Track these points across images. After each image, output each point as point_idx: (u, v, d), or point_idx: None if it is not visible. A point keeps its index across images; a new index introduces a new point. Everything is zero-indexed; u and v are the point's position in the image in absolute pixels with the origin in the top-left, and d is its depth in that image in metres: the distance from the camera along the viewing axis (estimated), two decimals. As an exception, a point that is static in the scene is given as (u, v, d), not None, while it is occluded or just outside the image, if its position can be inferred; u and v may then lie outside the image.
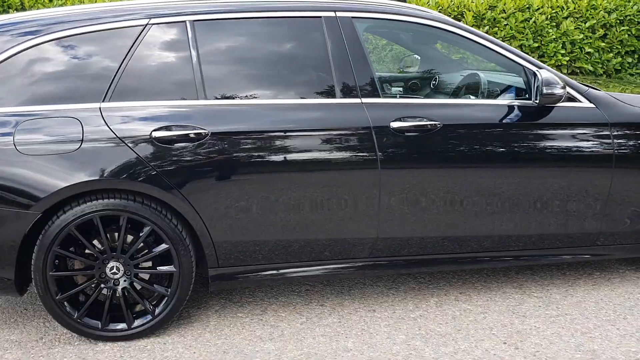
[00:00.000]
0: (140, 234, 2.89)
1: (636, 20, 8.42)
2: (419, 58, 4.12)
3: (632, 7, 8.33)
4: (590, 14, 8.59)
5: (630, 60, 8.36)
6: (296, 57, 2.98)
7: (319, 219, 2.91)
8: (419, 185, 2.97)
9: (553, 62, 8.22)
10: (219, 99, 2.87)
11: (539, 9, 8.54)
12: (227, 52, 2.94)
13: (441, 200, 3.00)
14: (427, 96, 3.84)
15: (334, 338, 2.95)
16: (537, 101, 3.06)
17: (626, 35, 8.36)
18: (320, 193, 2.87)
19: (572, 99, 3.18)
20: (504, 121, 3.07)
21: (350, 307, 3.26)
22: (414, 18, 3.10)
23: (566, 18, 8.53)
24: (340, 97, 2.90)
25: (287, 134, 2.83)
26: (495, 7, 8.60)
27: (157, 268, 2.99)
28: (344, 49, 2.90)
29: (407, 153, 2.94)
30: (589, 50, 8.18)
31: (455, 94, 3.72)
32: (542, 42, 8.49)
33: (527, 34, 8.66)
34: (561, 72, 8.35)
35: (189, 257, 2.92)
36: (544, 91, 3.02)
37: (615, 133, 3.13)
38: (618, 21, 8.54)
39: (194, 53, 2.83)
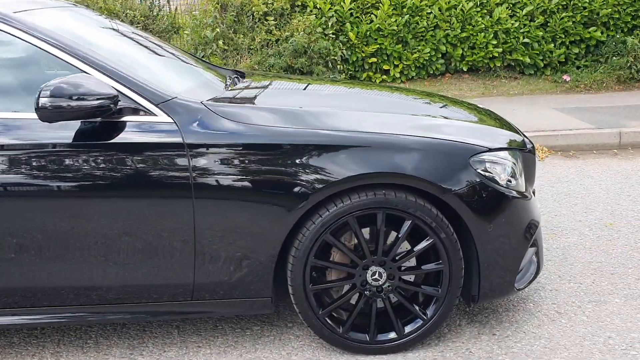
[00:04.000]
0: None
1: (581, 5, 8.30)
2: None
3: (577, -10, 7.90)
4: (527, 0, 8.32)
5: (576, 51, 8.37)
6: None
7: None
8: None
9: (483, 53, 8.54)
10: None
11: (466, -6, 8.11)
12: None
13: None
14: None
15: None
16: (40, 115, 2.33)
17: (570, 23, 8.21)
18: None
19: (145, 111, 2.49)
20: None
21: None
22: None
23: (499, 5, 8.48)
24: None
25: None
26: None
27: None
28: None
29: None
30: (526, 40, 8.36)
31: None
32: (472, 32, 8.30)
33: (453, 23, 8.31)
34: (495, 65, 8.69)
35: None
36: (42, 103, 2.29)
37: (193, 156, 2.46)
38: (561, 7, 8.31)
39: None
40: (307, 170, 2.53)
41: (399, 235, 2.65)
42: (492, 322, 3.02)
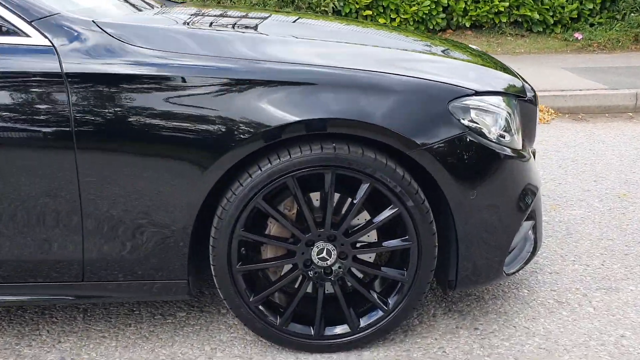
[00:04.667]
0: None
1: (598, -45, 7.59)
2: None
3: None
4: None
5: (590, 6, 7.71)
6: None
7: None
8: None
9: (488, 7, 7.87)
10: None
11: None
12: None
13: None
14: None
15: None
16: None
17: None
18: None
19: (16, 30, 1.88)
20: None
21: None
22: None
23: (508, -45, 7.89)
24: None
25: None
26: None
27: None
28: None
29: None
30: None
31: None
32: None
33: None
34: (500, 21, 8.01)
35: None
36: None
37: (75, 91, 1.85)
38: (575, -44, 7.68)
39: None
40: (228, 115, 1.90)
41: (354, 203, 2.02)
42: (474, 312, 2.41)
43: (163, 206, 1.94)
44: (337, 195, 2.11)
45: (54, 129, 1.86)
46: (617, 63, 6.84)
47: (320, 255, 2.06)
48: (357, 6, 7.83)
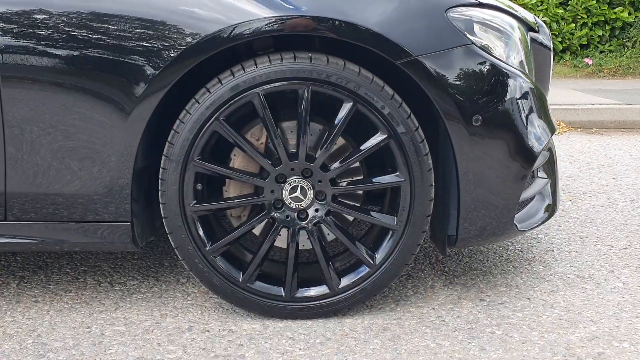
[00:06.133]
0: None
1: (607, -20, 7.46)
2: None
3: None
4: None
5: (600, 33, 7.50)
6: None
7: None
8: None
9: None
10: None
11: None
12: None
13: None
14: None
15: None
16: None
17: (594, 2, 7.29)
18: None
19: None
20: None
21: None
22: None
23: (516, -17, 7.91)
24: None
25: None
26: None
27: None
28: None
29: None
30: (544, 19, 7.72)
31: None
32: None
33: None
34: None
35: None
36: None
37: None
38: (584, -17, 7.50)
39: None
40: (173, 15, 1.58)
41: (336, 126, 1.68)
42: (480, 285, 2.02)
43: (99, 133, 1.60)
44: (315, 126, 1.77)
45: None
46: (630, 86, 6.57)
47: (293, 195, 1.71)
48: None
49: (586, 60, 7.39)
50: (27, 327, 1.74)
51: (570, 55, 7.68)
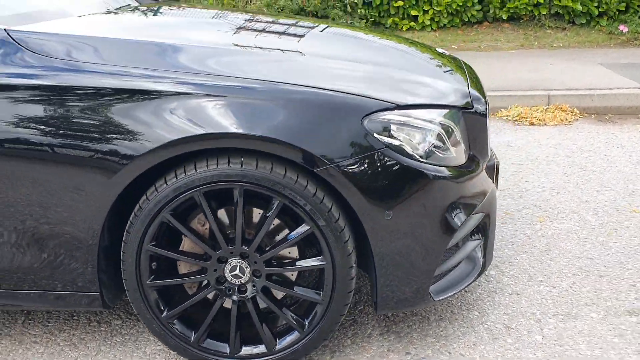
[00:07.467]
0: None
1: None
2: None
3: None
4: None
5: None
6: None
7: None
8: None
9: (526, 0, 7.46)
10: None
11: None
12: None
13: None
14: None
15: None
16: None
17: None
18: None
19: None
20: None
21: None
22: None
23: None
24: None
25: None
26: None
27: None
28: None
29: None
30: None
31: None
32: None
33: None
34: (539, 13, 7.50)
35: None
36: None
37: None
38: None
39: None
40: (120, 128, 1.85)
41: (266, 218, 1.94)
42: (413, 335, 2.29)
43: (65, 219, 1.92)
44: (256, 210, 2.04)
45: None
46: (663, 59, 6.39)
47: (234, 273, 2.00)
48: (389, -2, 7.64)
49: (621, 27, 7.17)
50: (23, 372, 2.14)
51: (607, 20, 7.45)
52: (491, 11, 7.71)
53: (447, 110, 2.07)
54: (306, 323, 2.04)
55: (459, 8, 7.61)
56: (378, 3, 7.65)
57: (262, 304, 2.07)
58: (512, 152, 4.31)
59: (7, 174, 1.89)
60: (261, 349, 2.07)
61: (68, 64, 1.90)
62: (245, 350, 2.08)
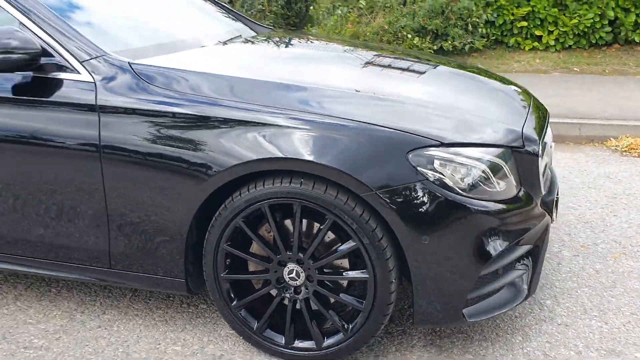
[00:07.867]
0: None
1: None
2: None
3: None
4: None
5: None
6: None
7: None
8: None
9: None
10: None
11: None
12: None
13: None
14: None
15: None
16: None
17: None
18: None
19: (71, 69, 2.41)
20: None
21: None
22: None
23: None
24: None
25: None
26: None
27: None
28: None
29: None
30: None
31: None
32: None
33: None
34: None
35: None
36: None
37: (105, 120, 2.35)
38: None
39: None
40: (208, 148, 2.26)
41: (318, 233, 2.27)
42: (453, 350, 2.50)
43: (166, 217, 2.36)
44: (316, 225, 2.36)
45: (88, 144, 2.37)
46: None
47: (290, 275, 2.35)
48: (512, 17, 7.63)
49: None
50: (122, 338, 2.63)
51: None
52: (622, 33, 7.44)
53: (496, 149, 2.27)
54: (349, 327, 2.33)
55: (586, 29, 7.43)
56: (501, 22, 7.66)
57: (314, 306, 2.39)
58: (608, 184, 4.27)
59: (140, 180, 2.35)
60: (311, 344, 2.40)
61: (181, 95, 2.34)
62: (298, 343, 2.41)
